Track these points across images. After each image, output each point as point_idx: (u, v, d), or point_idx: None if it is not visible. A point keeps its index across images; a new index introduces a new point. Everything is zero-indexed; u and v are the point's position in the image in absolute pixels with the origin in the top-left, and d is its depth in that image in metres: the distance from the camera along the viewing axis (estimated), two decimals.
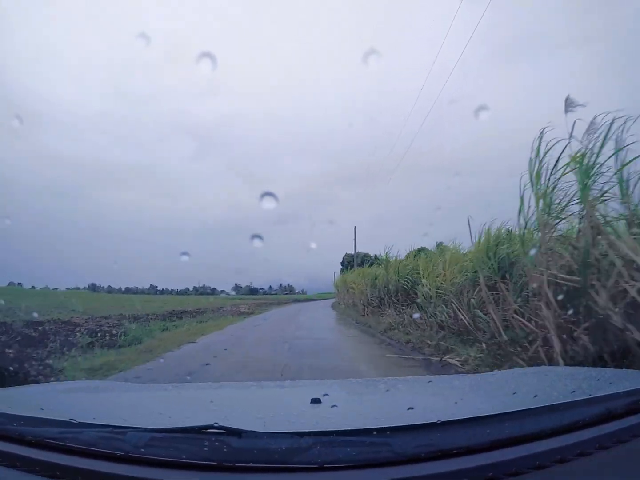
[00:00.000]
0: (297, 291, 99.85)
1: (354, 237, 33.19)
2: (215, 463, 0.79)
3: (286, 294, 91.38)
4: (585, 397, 1.01)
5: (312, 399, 1.20)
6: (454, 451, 0.80)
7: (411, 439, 0.82)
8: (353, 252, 62.35)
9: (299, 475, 0.79)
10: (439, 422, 0.86)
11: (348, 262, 62.88)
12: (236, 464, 0.80)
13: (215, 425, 0.83)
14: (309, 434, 0.83)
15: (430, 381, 1.89)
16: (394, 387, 1.73)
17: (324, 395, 1.25)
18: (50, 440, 0.89)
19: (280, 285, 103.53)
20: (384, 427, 0.85)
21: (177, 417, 1.20)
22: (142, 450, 0.82)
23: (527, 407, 0.94)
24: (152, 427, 0.89)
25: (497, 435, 0.84)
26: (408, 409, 1.11)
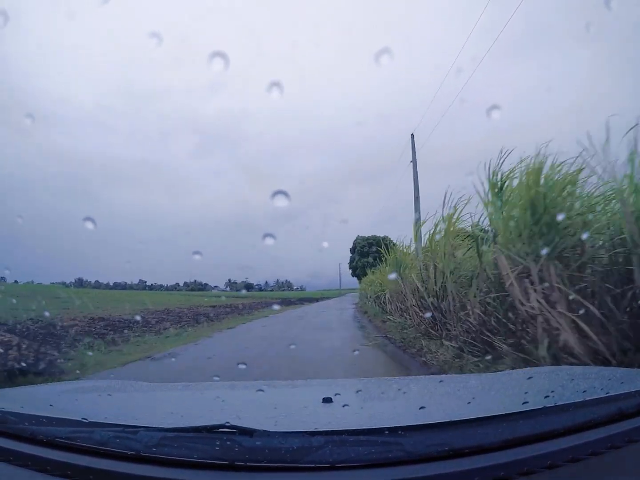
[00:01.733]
0: (295, 287, 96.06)
1: (411, 150, 13.81)
2: (226, 462, 0.79)
3: (283, 290, 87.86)
4: (596, 397, 1.01)
5: (323, 399, 1.20)
6: (466, 450, 0.80)
7: (423, 438, 0.82)
8: (366, 235, 55.48)
9: (311, 474, 0.79)
10: (450, 421, 0.86)
11: (361, 248, 54.09)
12: (248, 464, 0.80)
13: (227, 424, 0.84)
14: (320, 433, 0.83)
15: (441, 381, 1.89)
16: (406, 387, 1.73)
17: (335, 395, 1.24)
18: (61, 440, 0.89)
19: (277, 281, 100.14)
20: (396, 427, 0.84)
21: (189, 416, 1.20)
22: (154, 449, 0.82)
23: (539, 407, 0.93)
24: (163, 426, 0.89)
25: (509, 434, 0.83)
26: (420, 408, 1.11)
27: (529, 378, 1.64)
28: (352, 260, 60.20)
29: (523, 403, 1.04)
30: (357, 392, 1.71)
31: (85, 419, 0.95)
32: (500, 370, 2.87)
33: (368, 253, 53.78)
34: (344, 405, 1.23)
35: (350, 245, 60.92)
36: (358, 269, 54.17)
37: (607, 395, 1.01)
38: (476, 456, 0.79)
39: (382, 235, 55.81)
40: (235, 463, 0.79)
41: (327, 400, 1.19)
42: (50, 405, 1.26)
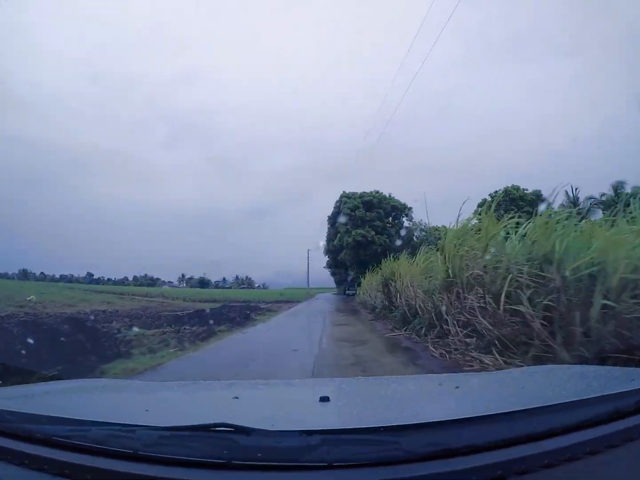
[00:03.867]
0: (257, 285, 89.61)
1: None
2: (223, 461, 0.80)
3: (243, 287, 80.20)
4: (594, 396, 1.01)
5: (320, 397, 1.19)
6: (463, 450, 0.80)
7: (420, 437, 0.83)
8: (353, 192, 33.04)
9: (308, 473, 0.79)
10: (447, 420, 0.86)
11: (351, 211, 31.63)
12: (244, 462, 0.80)
13: (224, 423, 0.84)
14: (317, 432, 0.83)
15: (440, 379, 1.88)
16: (404, 386, 1.73)
17: (332, 394, 1.26)
18: (58, 439, 0.89)
19: (237, 277, 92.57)
20: (393, 426, 0.85)
21: (186, 415, 1.22)
22: (151, 448, 0.83)
23: (537, 406, 0.93)
24: (160, 425, 0.90)
25: (507, 433, 0.84)
26: (417, 407, 1.20)
27: (527, 377, 1.70)
28: (331, 238, 35.57)
29: (521, 402, 1.06)
30: (354, 391, 1.70)
31: (82, 417, 0.96)
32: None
33: (364, 220, 32.00)
34: (341, 404, 1.27)
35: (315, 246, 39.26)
36: (344, 252, 32.66)
37: (605, 394, 1.02)
38: (473, 455, 0.80)
39: (386, 194, 33.91)
40: (232, 462, 0.79)
41: (324, 399, 1.19)
42: (48, 404, 1.27)
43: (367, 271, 19.80)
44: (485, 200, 32.34)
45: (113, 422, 0.92)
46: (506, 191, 26.82)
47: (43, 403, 1.29)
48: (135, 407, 1.38)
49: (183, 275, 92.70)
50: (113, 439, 0.85)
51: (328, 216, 38.19)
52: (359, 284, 24.25)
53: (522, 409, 0.92)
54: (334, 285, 50.15)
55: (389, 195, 35.86)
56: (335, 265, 38.79)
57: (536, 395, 1.26)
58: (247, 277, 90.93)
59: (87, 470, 0.82)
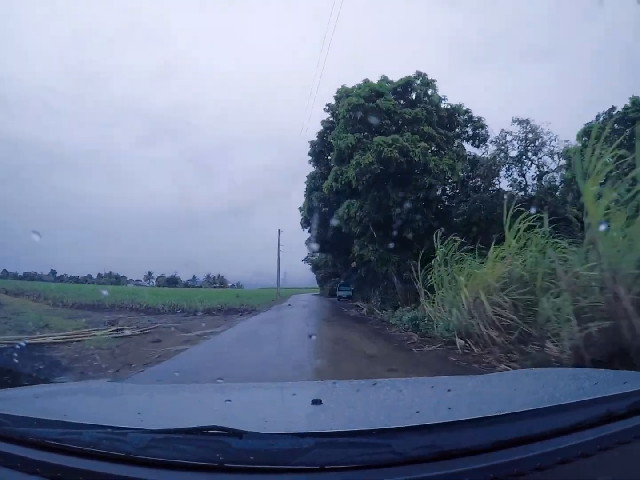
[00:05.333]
0: (230, 285, 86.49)
1: None
2: (216, 464, 0.80)
3: (215, 287, 77.65)
4: (586, 398, 1.01)
5: (312, 400, 1.19)
6: (455, 452, 0.80)
7: (412, 440, 0.82)
8: (367, 80, 12.41)
9: (300, 476, 0.79)
10: (439, 423, 0.87)
11: (367, 100, 12.28)
12: (237, 465, 0.80)
13: (216, 426, 0.84)
14: (309, 434, 0.83)
15: (432, 382, 1.88)
16: (396, 388, 1.72)
17: (325, 396, 1.25)
18: (51, 441, 0.89)
19: (208, 275, 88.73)
20: (385, 428, 0.85)
21: (179, 418, 1.21)
22: (144, 451, 0.83)
23: (529, 408, 0.94)
24: (153, 428, 0.90)
25: (499, 436, 0.84)
26: (409, 409, 1.17)
27: (519, 379, 1.71)
28: (316, 186, 16.01)
29: (513, 404, 1.07)
30: (347, 393, 1.70)
31: (74, 420, 0.96)
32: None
33: (400, 121, 12.91)
34: (333, 407, 1.26)
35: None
36: (346, 206, 12.84)
37: (597, 396, 1.01)
38: (465, 458, 0.79)
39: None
40: (225, 464, 0.79)
41: (316, 401, 1.18)
42: (40, 407, 1.26)
43: (409, 249, 10.98)
44: (591, 125, 14.87)
45: (106, 424, 0.91)
46: (636, 101, 15.58)
47: (35, 406, 1.28)
48: (128, 409, 1.37)
49: (150, 273, 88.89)
50: (106, 441, 0.85)
51: (311, 142, 17.44)
52: (404, 276, 11.29)
53: (515, 411, 0.92)
54: (316, 283, 36.26)
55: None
56: (322, 244, 18.98)
57: (528, 398, 1.26)
58: (219, 275, 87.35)
59: (79, 473, 0.81)
